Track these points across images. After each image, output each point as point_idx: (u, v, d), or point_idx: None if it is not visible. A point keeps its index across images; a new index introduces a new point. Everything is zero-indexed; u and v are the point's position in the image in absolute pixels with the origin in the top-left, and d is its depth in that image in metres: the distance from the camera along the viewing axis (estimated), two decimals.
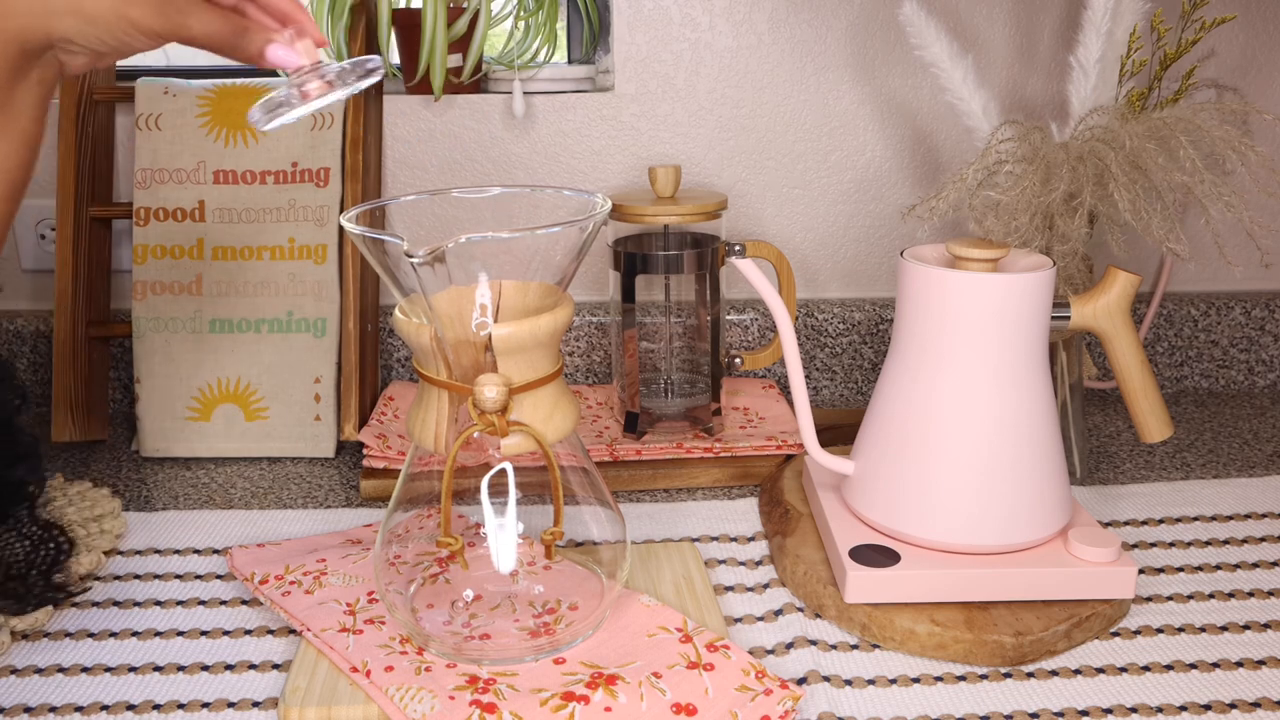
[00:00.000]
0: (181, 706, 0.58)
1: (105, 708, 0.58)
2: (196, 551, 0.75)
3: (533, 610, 0.64)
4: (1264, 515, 0.80)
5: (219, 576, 0.72)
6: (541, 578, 0.67)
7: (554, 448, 0.59)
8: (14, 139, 0.53)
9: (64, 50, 0.53)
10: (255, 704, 0.58)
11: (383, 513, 0.77)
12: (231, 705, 0.58)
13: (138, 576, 0.72)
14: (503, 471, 0.60)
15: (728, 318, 1.04)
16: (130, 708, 0.58)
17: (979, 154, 0.80)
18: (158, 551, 0.75)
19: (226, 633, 0.65)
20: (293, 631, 0.65)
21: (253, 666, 0.62)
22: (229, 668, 0.61)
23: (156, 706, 0.58)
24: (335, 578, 0.68)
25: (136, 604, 0.68)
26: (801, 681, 0.60)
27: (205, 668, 0.61)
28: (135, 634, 0.65)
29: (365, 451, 0.86)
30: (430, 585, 0.66)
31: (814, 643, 0.64)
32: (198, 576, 0.72)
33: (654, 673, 0.58)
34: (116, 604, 0.68)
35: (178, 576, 0.72)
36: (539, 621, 0.63)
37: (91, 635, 0.65)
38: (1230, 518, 0.80)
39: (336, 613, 0.64)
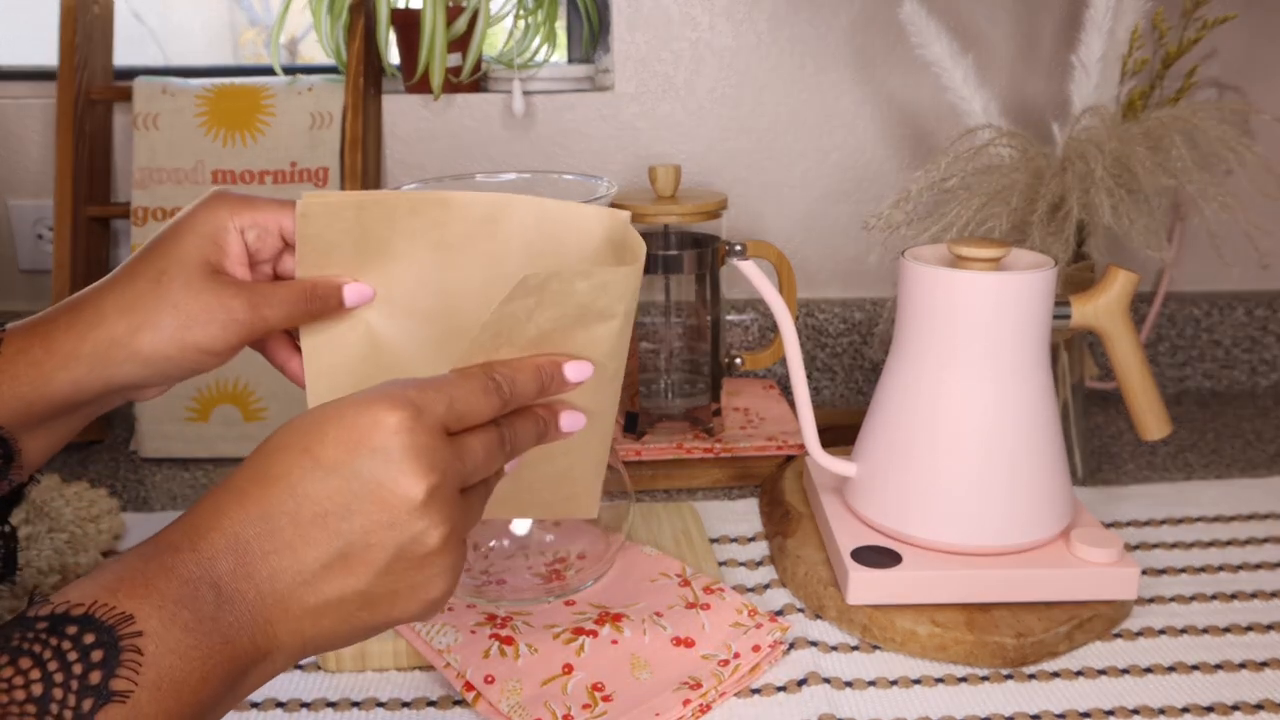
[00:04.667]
0: None
1: None
2: None
3: (544, 558, 0.67)
4: (1266, 516, 0.80)
5: None
6: (551, 529, 0.70)
7: None
8: (53, 444, 0.50)
9: (131, 390, 0.50)
10: (254, 705, 0.58)
11: None
12: None
13: None
14: None
15: (728, 318, 1.04)
16: None
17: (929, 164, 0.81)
18: None
19: None
20: None
21: None
22: None
23: None
24: None
25: None
26: (802, 683, 0.60)
27: None
28: None
29: None
30: None
31: (814, 644, 0.63)
32: None
33: (656, 612, 0.63)
34: None
35: None
36: (550, 568, 0.67)
37: None
38: (1232, 519, 0.80)
39: None
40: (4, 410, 0.46)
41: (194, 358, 0.47)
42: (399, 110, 1.01)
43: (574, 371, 0.45)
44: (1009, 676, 0.61)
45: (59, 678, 0.31)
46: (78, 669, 0.32)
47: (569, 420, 0.47)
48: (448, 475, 0.39)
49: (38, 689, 0.31)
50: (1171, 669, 0.62)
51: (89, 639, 0.32)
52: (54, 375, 0.46)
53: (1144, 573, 0.72)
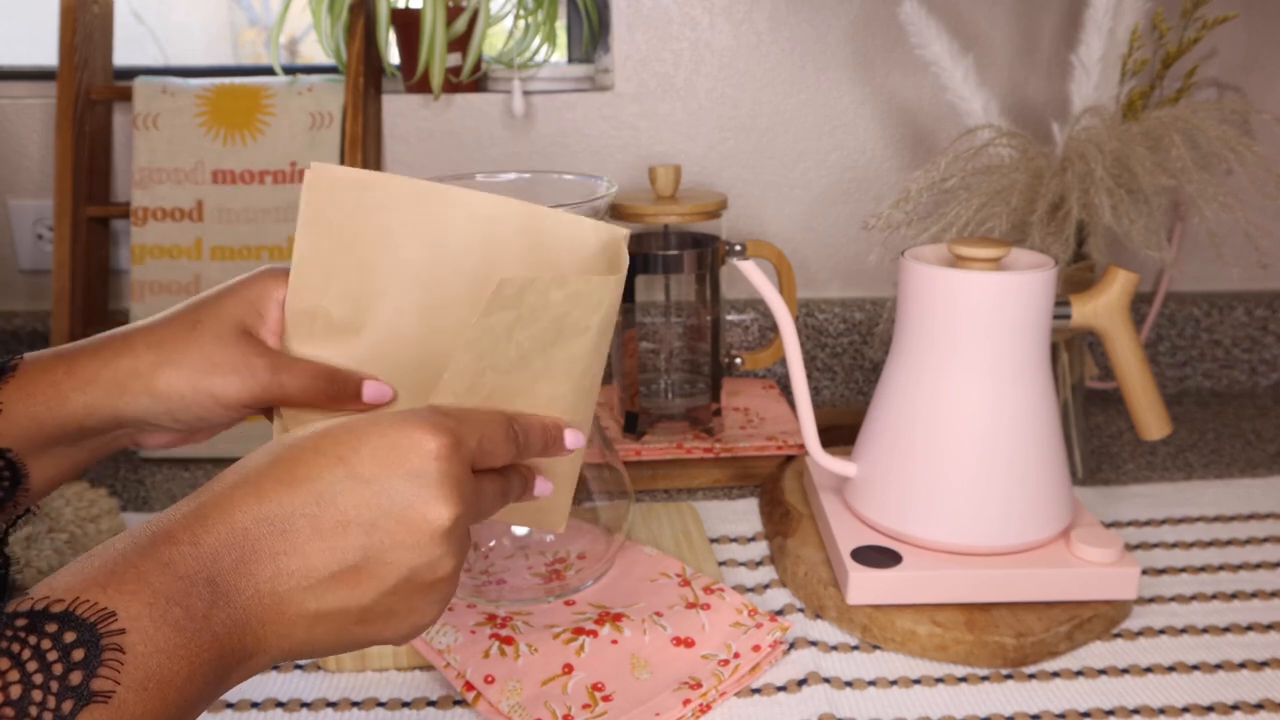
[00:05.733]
0: None
1: None
2: None
3: (544, 558, 0.68)
4: (1266, 516, 0.80)
5: None
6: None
7: None
8: (61, 474, 0.50)
9: (139, 430, 0.50)
10: (254, 705, 0.58)
11: None
12: (230, 706, 0.58)
13: None
14: None
15: (728, 318, 1.04)
16: None
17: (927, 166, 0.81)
18: None
19: None
20: None
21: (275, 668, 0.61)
22: None
23: None
24: None
25: None
26: (802, 683, 0.60)
27: None
28: None
29: None
30: None
31: (814, 644, 0.63)
32: None
33: (656, 612, 0.63)
34: None
35: None
36: (550, 568, 0.67)
37: None
38: (1233, 518, 0.80)
39: None
40: (15, 429, 0.46)
41: (205, 404, 0.47)
42: (399, 110, 1.01)
43: (572, 439, 0.48)
44: (1009, 676, 0.61)
45: (38, 679, 0.31)
46: (58, 669, 0.31)
47: (541, 486, 0.48)
48: (470, 509, 0.40)
49: (16, 691, 0.30)
50: (1171, 669, 0.61)
51: (69, 637, 0.31)
52: (70, 396, 0.47)
53: (1144, 573, 0.72)
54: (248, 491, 0.36)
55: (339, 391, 0.49)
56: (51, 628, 0.31)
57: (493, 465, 0.43)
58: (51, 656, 0.31)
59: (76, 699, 0.31)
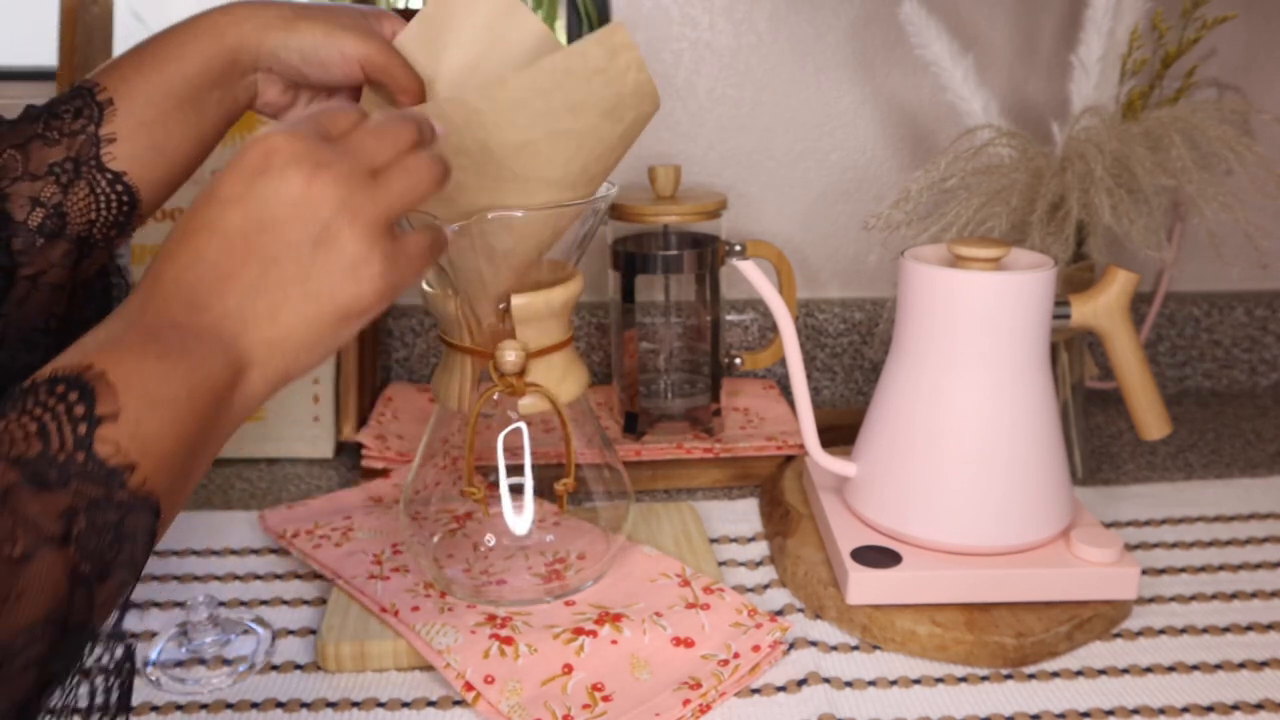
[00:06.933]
0: (180, 708, 0.58)
1: None
2: (195, 553, 0.75)
3: (544, 559, 0.68)
4: (1266, 516, 0.80)
5: (217, 578, 0.72)
6: (552, 530, 0.71)
7: (565, 409, 0.64)
8: (192, 138, 0.60)
9: (265, 77, 0.60)
10: (254, 705, 0.58)
11: (383, 503, 0.77)
12: (230, 706, 0.58)
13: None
14: (519, 432, 0.65)
15: (728, 318, 1.04)
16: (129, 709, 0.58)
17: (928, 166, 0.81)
18: (156, 553, 0.75)
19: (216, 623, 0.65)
20: (318, 576, 0.70)
21: (275, 668, 0.62)
22: (227, 663, 0.61)
23: (154, 708, 0.58)
24: (362, 532, 0.74)
25: (135, 605, 0.68)
26: (802, 683, 0.60)
27: (202, 661, 0.61)
28: (133, 635, 0.65)
29: (364, 452, 0.86)
30: (450, 538, 0.71)
31: (814, 644, 0.64)
32: (196, 578, 0.72)
33: (656, 612, 0.64)
34: None
35: (176, 578, 0.72)
36: (550, 568, 0.67)
37: None
38: (1233, 518, 0.80)
39: (365, 562, 0.69)
40: (146, 94, 0.58)
41: (332, 51, 0.58)
42: None
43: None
44: (1009, 676, 0.61)
45: (49, 421, 0.36)
46: (60, 408, 0.37)
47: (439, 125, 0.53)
48: (331, 163, 0.44)
49: (33, 427, 0.36)
50: (1171, 669, 0.62)
51: (60, 389, 0.37)
52: (226, 31, 0.58)
53: (1144, 573, 0.72)
54: (162, 260, 0.43)
55: (414, 87, 0.60)
56: (50, 388, 0.37)
57: (343, 128, 0.47)
58: (50, 402, 0.37)
59: (88, 423, 0.37)
